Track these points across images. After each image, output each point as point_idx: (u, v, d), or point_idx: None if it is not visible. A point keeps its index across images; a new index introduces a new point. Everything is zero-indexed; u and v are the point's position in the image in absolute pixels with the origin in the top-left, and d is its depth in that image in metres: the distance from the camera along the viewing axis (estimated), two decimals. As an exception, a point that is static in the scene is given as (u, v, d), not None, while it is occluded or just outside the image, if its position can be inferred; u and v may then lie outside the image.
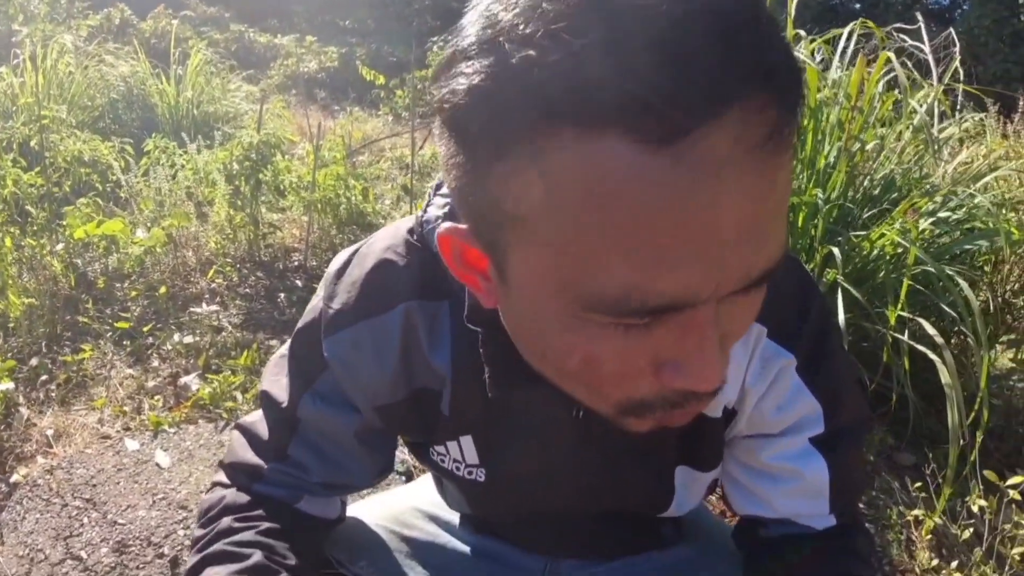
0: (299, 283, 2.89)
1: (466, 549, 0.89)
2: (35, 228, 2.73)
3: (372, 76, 4.10)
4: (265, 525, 0.70)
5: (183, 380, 2.13)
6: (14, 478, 1.67)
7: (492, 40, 0.39)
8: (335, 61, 9.54)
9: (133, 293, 2.60)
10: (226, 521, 0.70)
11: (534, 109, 0.38)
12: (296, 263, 3.08)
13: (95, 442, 1.82)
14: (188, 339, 2.31)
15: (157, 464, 1.73)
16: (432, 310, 0.67)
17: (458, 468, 0.75)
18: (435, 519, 0.92)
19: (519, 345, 0.52)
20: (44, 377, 2.10)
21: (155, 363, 2.24)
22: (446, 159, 0.45)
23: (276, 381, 0.74)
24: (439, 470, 0.77)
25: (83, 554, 1.44)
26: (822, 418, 0.69)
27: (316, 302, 0.71)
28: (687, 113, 0.36)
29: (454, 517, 0.92)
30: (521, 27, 0.37)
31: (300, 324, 0.72)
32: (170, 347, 2.29)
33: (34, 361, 2.15)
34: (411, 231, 0.68)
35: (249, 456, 0.75)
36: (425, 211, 0.66)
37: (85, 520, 1.53)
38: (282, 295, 2.77)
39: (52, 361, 2.19)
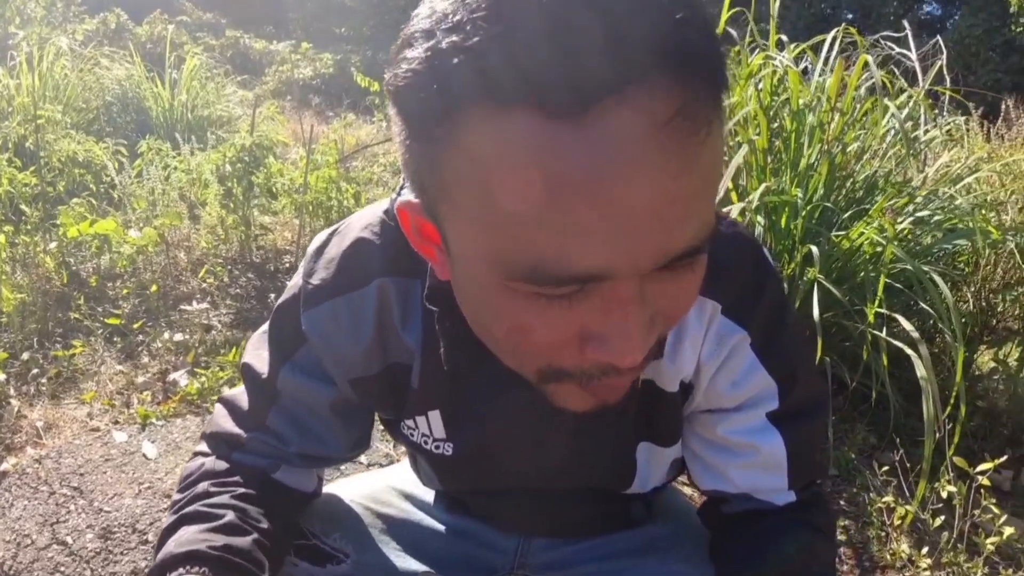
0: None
1: (440, 527, 0.91)
2: (29, 227, 2.75)
3: (367, 83, 4.12)
4: (241, 490, 0.72)
5: (172, 376, 2.15)
6: (3, 467, 1.68)
7: (430, 29, 0.42)
8: (330, 67, 9.57)
9: (125, 291, 2.61)
10: (203, 486, 0.73)
11: (454, 89, 0.41)
12: (287, 265, 3.09)
13: (84, 434, 1.84)
14: (178, 337, 2.33)
15: (144, 455, 1.74)
16: (405, 287, 0.69)
17: (426, 442, 0.78)
18: (410, 497, 0.94)
19: (464, 313, 0.55)
20: (35, 371, 2.12)
21: (145, 359, 2.26)
22: (397, 137, 0.48)
23: (257, 354, 0.76)
24: (409, 444, 0.79)
25: (69, 539, 1.45)
26: (777, 394, 0.71)
27: (296, 279, 0.73)
28: (589, 87, 0.38)
29: (429, 496, 0.94)
30: (451, 16, 0.41)
31: (281, 300, 0.75)
32: (160, 344, 2.31)
33: (25, 355, 2.17)
34: (387, 211, 0.71)
35: (229, 426, 0.77)
36: (399, 193, 0.69)
37: (72, 507, 1.55)
38: (272, 296, 2.79)
39: (43, 356, 2.21)
